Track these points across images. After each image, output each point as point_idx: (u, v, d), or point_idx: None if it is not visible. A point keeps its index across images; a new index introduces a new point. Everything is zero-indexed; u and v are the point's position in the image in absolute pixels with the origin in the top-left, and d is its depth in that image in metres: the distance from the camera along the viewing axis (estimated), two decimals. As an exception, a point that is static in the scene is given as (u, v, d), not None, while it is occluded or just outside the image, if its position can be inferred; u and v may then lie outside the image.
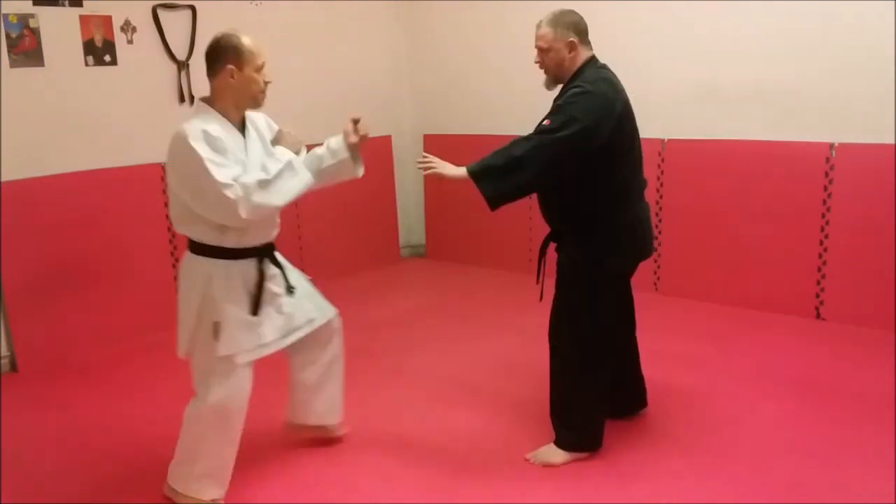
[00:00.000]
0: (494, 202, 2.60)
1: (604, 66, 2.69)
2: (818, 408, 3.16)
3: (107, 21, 4.12)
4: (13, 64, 3.79)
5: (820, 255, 4.17)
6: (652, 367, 3.62)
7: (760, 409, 3.16)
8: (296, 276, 2.72)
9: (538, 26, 2.65)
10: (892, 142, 3.88)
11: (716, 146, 4.48)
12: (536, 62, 2.70)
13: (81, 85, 4.06)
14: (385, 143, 5.70)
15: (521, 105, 5.17)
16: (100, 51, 4.11)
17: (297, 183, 2.46)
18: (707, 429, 3.01)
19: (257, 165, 2.42)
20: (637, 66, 4.77)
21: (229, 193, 2.28)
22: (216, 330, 2.44)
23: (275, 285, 2.58)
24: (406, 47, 5.81)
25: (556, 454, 2.78)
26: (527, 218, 4.99)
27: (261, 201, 2.35)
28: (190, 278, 2.51)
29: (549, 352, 2.83)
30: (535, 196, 2.79)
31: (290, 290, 2.62)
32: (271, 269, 2.59)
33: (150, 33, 4.31)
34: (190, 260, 2.52)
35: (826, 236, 4.13)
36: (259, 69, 2.46)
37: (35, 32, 3.85)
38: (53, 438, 3.15)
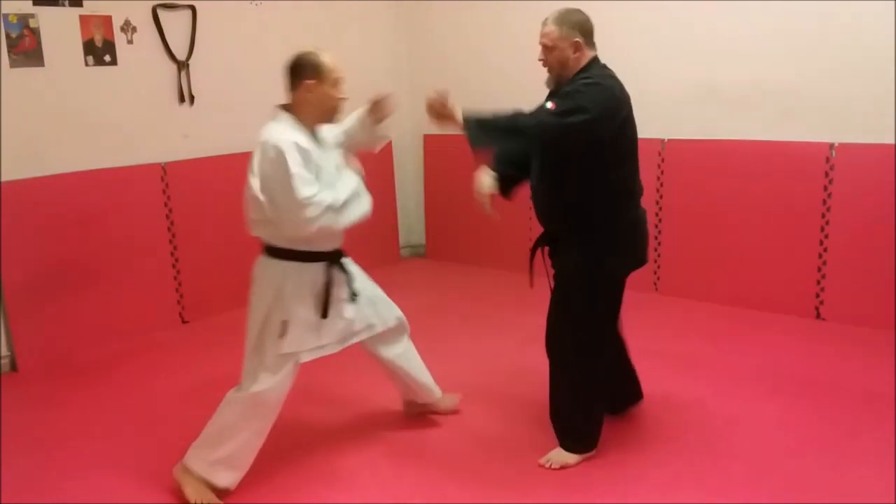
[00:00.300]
0: (475, 145, 2.63)
1: (606, 67, 2.66)
2: (818, 408, 3.16)
3: (107, 21, 4.12)
4: (13, 64, 3.79)
5: (820, 255, 4.17)
6: (652, 367, 3.62)
7: (760, 409, 3.16)
8: (363, 282, 2.84)
9: (544, 23, 2.61)
10: (893, 142, 3.88)
11: (716, 146, 4.48)
12: (540, 59, 2.65)
13: (81, 85, 4.06)
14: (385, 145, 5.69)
15: (522, 105, 5.16)
16: (100, 51, 4.11)
17: (360, 208, 2.61)
18: (707, 429, 3.01)
19: (330, 178, 2.55)
20: (637, 66, 4.77)
21: (307, 212, 2.43)
22: (283, 328, 2.58)
23: (341, 290, 2.68)
24: (406, 47, 5.81)
25: (568, 456, 2.77)
26: (527, 218, 4.98)
27: (330, 223, 2.50)
28: (264, 278, 2.68)
29: (549, 354, 2.82)
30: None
31: (353, 296, 2.72)
32: (339, 275, 2.68)
33: (150, 33, 4.31)
34: (265, 262, 2.69)
35: (826, 236, 4.13)
36: (335, 85, 2.58)
37: (35, 32, 3.85)
38: (53, 438, 3.15)
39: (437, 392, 3.13)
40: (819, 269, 4.18)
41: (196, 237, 4.55)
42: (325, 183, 2.52)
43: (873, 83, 3.91)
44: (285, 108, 2.61)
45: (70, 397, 3.56)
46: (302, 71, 2.56)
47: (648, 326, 4.18)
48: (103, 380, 3.74)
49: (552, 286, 2.79)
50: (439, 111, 2.66)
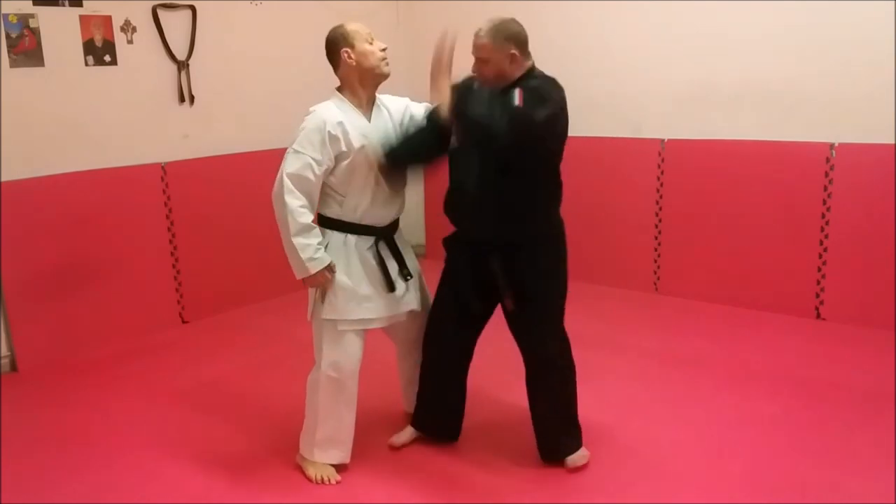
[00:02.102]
0: (448, 118, 2.54)
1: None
2: (818, 407, 3.16)
3: (107, 21, 4.11)
4: (13, 64, 3.79)
5: (820, 255, 4.17)
6: (651, 366, 3.63)
7: (760, 408, 3.16)
8: (413, 262, 2.85)
9: (477, 35, 2.58)
10: (893, 142, 3.88)
11: (715, 146, 4.47)
12: (473, 72, 2.63)
13: (81, 85, 4.06)
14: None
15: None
16: (100, 51, 4.10)
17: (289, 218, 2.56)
18: (706, 429, 3.01)
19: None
20: (637, 66, 4.78)
21: (276, 185, 2.53)
22: (322, 293, 2.63)
23: (390, 267, 2.71)
24: (406, 47, 5.80)
25: (581, 457, 2.75)
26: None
27: (277, 206, 2.55)
28: None
29: (540, 372, 2.75)
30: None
31: (406, 276, 2.75)
32: (387, 251, 2.72)
33: (150, 33, 4.31)
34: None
35: (826, 236, 4.13)
36: (369, 41, 2.65)
37: (35, 32, 3.85)
38: (54, 438, 3.15)
39: (411, 408, 3.07)
40: (819, 269, 4.18)
41: (196, 237, 4.54)
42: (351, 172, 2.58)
43: (873, 83, 3.91)
44: (338, 89, 2.67)
45: (70, 397, 3.55)
46: (335, 46, 2.63)
47: (648, 326, 4.18)
48: (103, 380, 3.73)
49: (505, 298, 2.64)
50: (438, 65, 2.62)
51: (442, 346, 2.85)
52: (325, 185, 2.60)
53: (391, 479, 2.74)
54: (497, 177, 2.53)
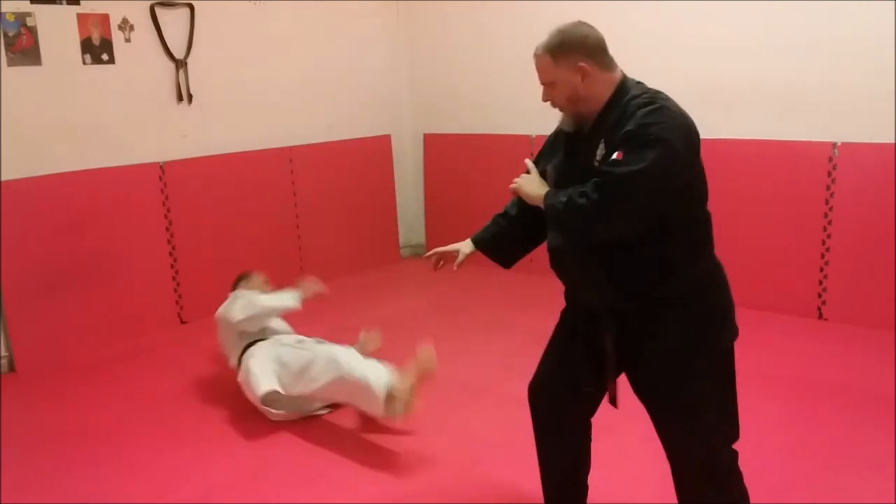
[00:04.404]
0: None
1: (645, 85, 2.02)
2: (819, 408, 3.14)
3: (104, 19, 4.09)
4: (10, 62, 3.77)
5: (822, 255, 4.15)
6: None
7: (761, 409, 3.14)
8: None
9: (535, 53, 1.97)
10: (895, 141, 3.86)
11: (717, 146, 4.44)
12: (545, 101, 2.00)
13: (79, 84, 4.04)
14: (385, 142, 5.68)
15: (522, 104, 5.15)
16: (97, 49, 4.08)
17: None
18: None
19: None
20: (637, 66, 4.70)
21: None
22: None
23: None
24: (406, 46, 5.79)
25: None
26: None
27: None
28: None
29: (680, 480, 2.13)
30: None
31: None
32: None
33: (148, 32, 4.29)
34: None
35: (828, 236, 4.11)
36: None
37: (32, 31, 3.83)
38: (52, 438, 3.13)
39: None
40: (821, 269, 4.16)
41: (194, 237, 4.52)
42: None
43: (876, 82, 3.89)
44: None
45: (68, 397, 3.54)
46: None
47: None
48: (102, 380, 3.72)
49: (638, 388, 2.07)
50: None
51: (562, 440, 2.28)
52: None
53: (389, 480, 2.72)
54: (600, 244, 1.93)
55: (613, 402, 2.11)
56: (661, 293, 1.95)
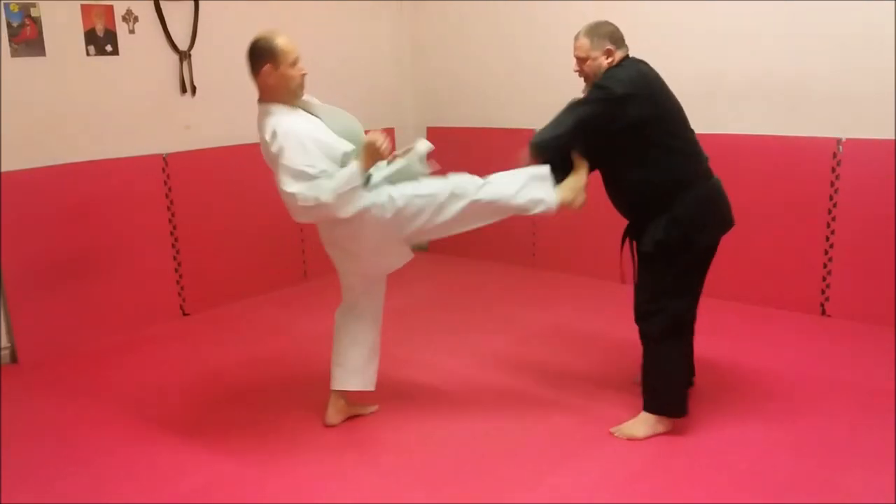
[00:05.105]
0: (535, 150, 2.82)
1: (641, 61, 2.83)
2: (821, 405, 3.13)
3: (108, 10, 4.08)
4: (14, 53, 3.76)
5: (826, 252, 4.13)
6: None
7: (764, 406, 3.14)
8: None
9: (576, 38, 2.81)
10: (901, 137, 3.85)
11: (721, 140, 4.42)
12: (575, 70, 2.85)
13: (83, 75, 4.03)
14: (388, 136, 5.65)
15: (525, 97, 5.14)
16: (101, 40, 4.08)
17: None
18: (709, 426, 2.98)
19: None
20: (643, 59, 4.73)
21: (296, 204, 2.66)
22: None
23: None
24: (409, 40, 5.77)
25: (639, 427, 2.88)
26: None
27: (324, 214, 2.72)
28: None
29: (639, 334, 2.91)
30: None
31: None
32: None
33: (152, 23, 4.28)
34: None
35: (832, 232, 4.10)
36: (293, 64, 2.69)
37: (36, 22, 3.82)
38: (54, 430, 3.13)
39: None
40: (825, 266, 4.15)
41: (197, 229, 4.52)
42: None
43: (881, 78, 3.87)
44: (261, 101, 2.78)
45: (70, 389, 3.54)
46: (259, 57, 2.69)
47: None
48: (104, 372, 3.72)
49: (636, 268, 2.92)
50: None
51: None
52: None
53: (387, 472, 2.73)
54: (606, 167, 2.90)
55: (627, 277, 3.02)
56: (649, 205, 2.77)
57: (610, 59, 2.77)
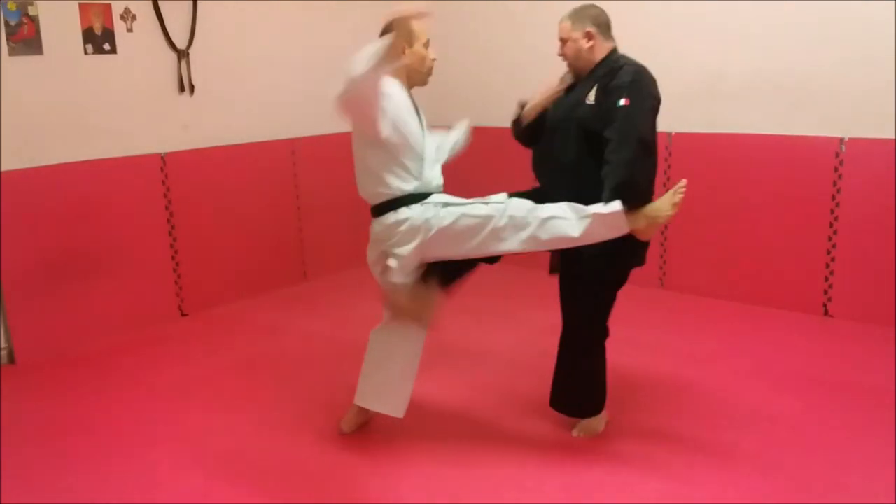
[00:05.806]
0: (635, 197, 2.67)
1: (627, 56, 2.74)
2: (824, 405, 3.12)
3: (106, 9, 4.06)
4: (12, 52, 3.74)
5: (828, 251, 4.11)
6: (656, 362, 3.59)
7: (765, 406, 3.13)
8: None
9: (561, 20, 2.75)
10: (904, 136, 3.83)
11: (723, 140, 4.42)
12: (559, 54, 2.78)
13: (80, 74, 4.01)
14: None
15: (528, 97, 5.12)
16: (99, 39, 4.05)
17: None
18: (711, 426, 2.97)
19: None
20: (644, 59, 4.70)
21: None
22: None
23: None
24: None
25: (597, 422, 2.93)
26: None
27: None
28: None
29: (563, 339, 2.91)
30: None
31: None
32: None
33: (150, 22, 4.26)
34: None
35: (835, 232, 4.08)
36: (427, 47, 2.82)
37: (34, 20, 3.80)
38: (52, 431, 3.12)
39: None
40: (827, 266, 4.13)
41: (195, 229, 4.50)
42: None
43: (884, 77, 3.86)
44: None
45: (68, 390, 3.53)
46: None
47: (653, 322, 4.14)
48: (102, 372, 3.71)
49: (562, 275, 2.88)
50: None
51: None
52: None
53: (390, 471, 2.71)
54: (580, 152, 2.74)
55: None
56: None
57: (591, 43, 2.67)
